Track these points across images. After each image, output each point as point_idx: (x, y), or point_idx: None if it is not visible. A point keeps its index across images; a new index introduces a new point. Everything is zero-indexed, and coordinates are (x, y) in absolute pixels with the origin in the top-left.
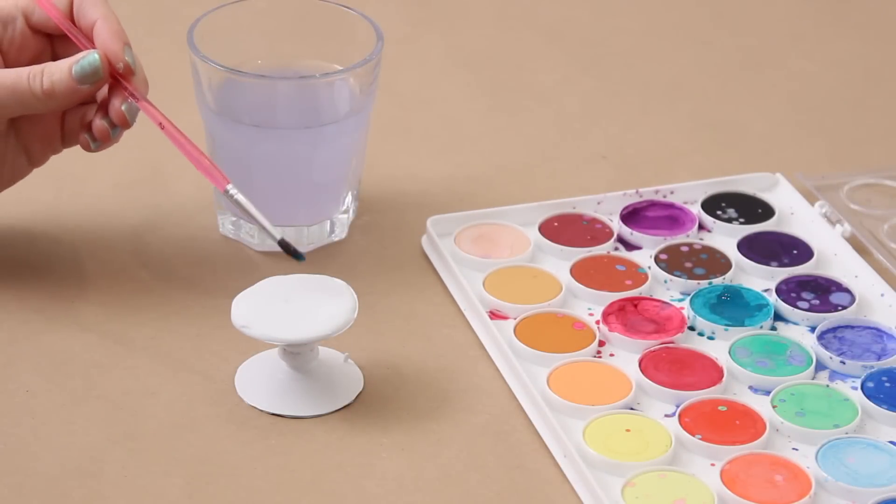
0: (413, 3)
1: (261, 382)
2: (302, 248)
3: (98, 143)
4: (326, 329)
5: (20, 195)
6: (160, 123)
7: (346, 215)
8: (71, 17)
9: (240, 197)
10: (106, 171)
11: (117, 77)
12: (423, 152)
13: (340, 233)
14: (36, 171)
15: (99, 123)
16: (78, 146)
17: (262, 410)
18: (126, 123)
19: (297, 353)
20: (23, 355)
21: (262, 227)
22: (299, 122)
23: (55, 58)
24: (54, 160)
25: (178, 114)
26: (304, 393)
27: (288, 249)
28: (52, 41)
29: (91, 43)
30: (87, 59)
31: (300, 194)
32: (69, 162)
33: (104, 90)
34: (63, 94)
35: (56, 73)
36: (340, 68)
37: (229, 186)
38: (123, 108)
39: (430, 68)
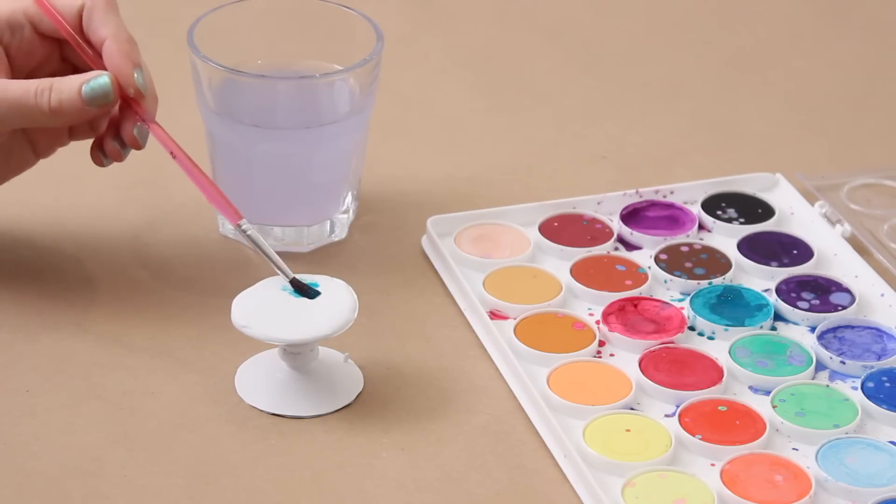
0: (413, 3)
1: (261, 382)
2: (303, 249)
3: (110, 160)
4: (326, 329)
5: (20, 197)
6: (172, 152)
7: (346, 215)
8: (80, 26)
9: (252, 232)
10: (106, 172)
11: (128, 100)
12: (423, 152)
13: (340, 233)
14: (36, 173)
15: (111, 145)
16: (81, 142)
17: (262, 410)
18: (138, 146)
19: (297, 353)
20: (23, 355)
21: (274, 265)
22: (299, 122)
23: (63, 62)
24: (54, 162)
25: (178, 114)
26: (304, 393)
27: (300, 288)
28: (61, 45)
29: (100, 58)
30: (97, 81)
31: (300, 194)
32: (69, 163)
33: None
34: (70, 113)
35: (65, 91)
36: (340, 68)
37: (242, 221)
38: (135, 132)
39: (430, 68)
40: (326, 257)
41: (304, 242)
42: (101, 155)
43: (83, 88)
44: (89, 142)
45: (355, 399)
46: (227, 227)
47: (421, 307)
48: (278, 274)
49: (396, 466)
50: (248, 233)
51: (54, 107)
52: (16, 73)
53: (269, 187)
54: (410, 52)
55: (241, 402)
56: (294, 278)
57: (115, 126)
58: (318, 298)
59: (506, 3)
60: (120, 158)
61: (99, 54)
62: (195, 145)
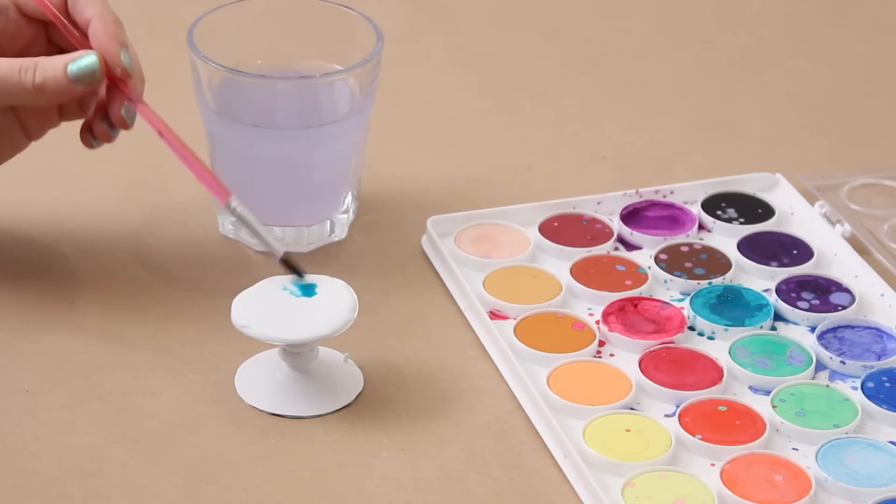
0: (413, 3)
1: (261, 382)
2: (303, 249)
3: (99, 141)
4: (326, 329)
5: (20, 196)
6: (160, 131)
7: (346, 215)
8: (65, 8)
9: (242, 210)
10: (105, 171)
11: (115, 80)
12: (423, 152)
13: (340, 233)
14: (35, 172)
15: (99, 126)
16: (80, 143)
17: (262, 410)
18: (126, 126)
19: (297, 353)
20: (23, 355)
21: (265, 242)
22: (299, 122)
23: (50, 45)
24: (53, 161)
25: (177, 114)
26: (304, 393)
27: (291, 266)
28: (47, 28)
29: (86, 39)
30: (84, 60)
31: (300, 194)
32: (68, 162)
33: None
34: (54, 92)
35: (49, 70)
36: (340, 68)
37: (231, 199)
38: (122, 111)
39: (430, 68)
40: (326, 257)
41: (304, 242)
42: (90, 137)
43: (69, 67)
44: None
45: (355, 399)
46: (227, 226)
47: (421, 307)
48: (271, 252)
49: (396, 466)
50: (238, 210)
51: (38, 84)
52: (1, 55)
53: (269, 187)
54: (410, 52)
55: (241, 402)
56: (284, 256)
57: (102, 108)
58: (318, 298)
59: (506, 3)
60: (109, 139)
61: (85, 35)
62: (195, 145)
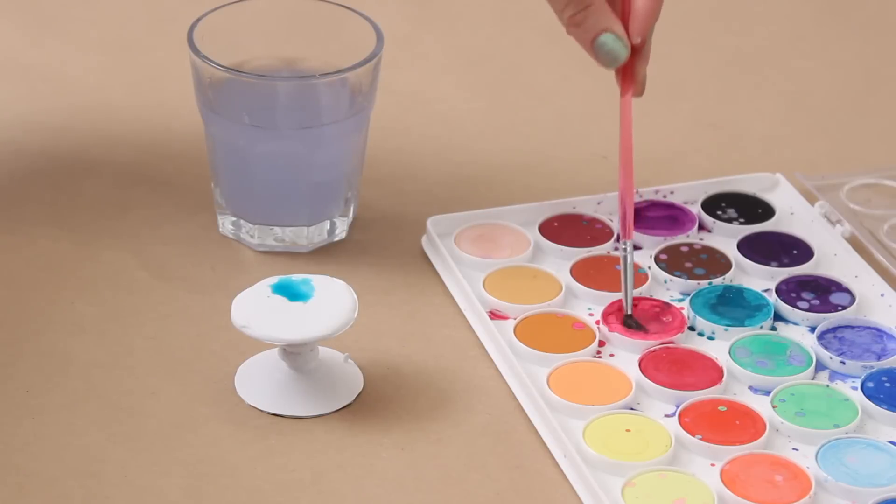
0: (413, 3)
1: (261, 382)
2: (304, 249)
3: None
4: (326, 329)
5: (20, 195)
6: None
7: (346, 215)
8: None
9: (628, 257)
10: (105, 170)
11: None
12: (423, 152)
13: (340, 233)
14: (35, 170)
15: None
16: (78, 142)
17: (262, 410)
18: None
19: (297, 353)
20: (23, 355)
21: (626, 295)
22: (299, 122)
23: None
24: (53, 160)
25: (178, 114)
26: (304, 393)
27: (634, 325)
28: None
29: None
30: (615, 45)
31: (300, 194)
32: (68, 162)
33: None
34: (576, 38)
35: (587, 24)
36: (340, 68)
37: (626, 242)
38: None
39: (430, 68)
40: (326, 257)
41: (304, 242)
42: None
43: (601, 38)
44: (81, 140)
45: (355, 399)
46: (226, 226)
47: (421, 307)
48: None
49: (396, 466)
50: (626, 255)
51: (572, 20)
52: None
53: (269, 187)
54: (410, 52)
55: (241, 402)
56: (628, 315)
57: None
58: (317, 299)
59: (506, 3)
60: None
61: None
62: (195, 145)
